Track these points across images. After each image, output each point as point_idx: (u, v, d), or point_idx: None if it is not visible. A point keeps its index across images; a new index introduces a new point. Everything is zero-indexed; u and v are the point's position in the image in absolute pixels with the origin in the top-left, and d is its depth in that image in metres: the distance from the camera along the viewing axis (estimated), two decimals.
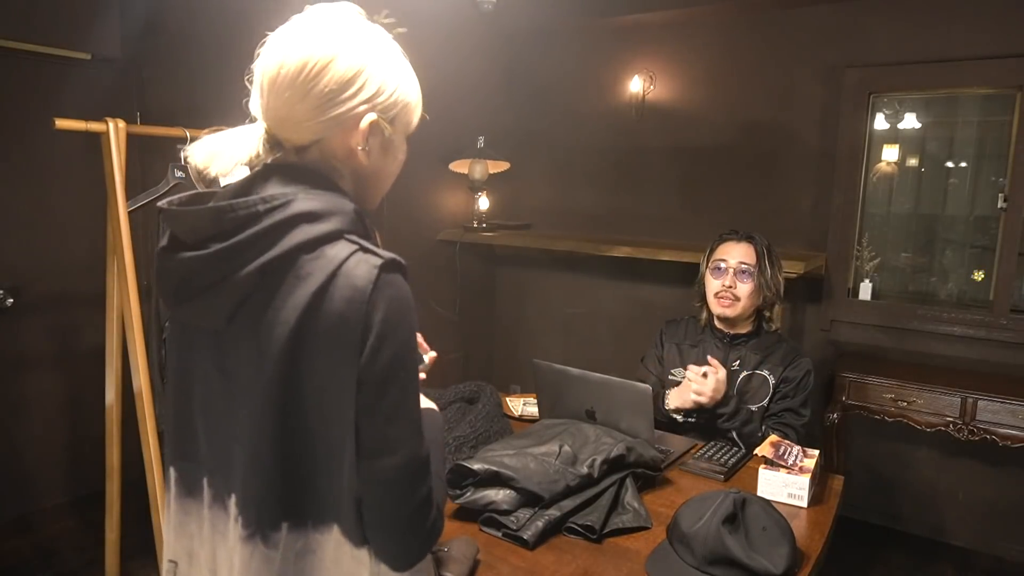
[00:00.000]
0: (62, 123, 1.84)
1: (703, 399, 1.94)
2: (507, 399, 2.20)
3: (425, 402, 1.02)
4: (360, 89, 0.85)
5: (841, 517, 1.60)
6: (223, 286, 0.81)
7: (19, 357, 2.96)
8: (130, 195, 1.99)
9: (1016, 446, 2.62)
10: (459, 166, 3.68)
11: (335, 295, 0.79)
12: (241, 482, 0.85)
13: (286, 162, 0.88)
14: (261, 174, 0.87)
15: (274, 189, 0.84)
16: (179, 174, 2.08)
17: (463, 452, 1.69)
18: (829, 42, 3.15)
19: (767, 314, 2.13)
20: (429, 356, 1.16)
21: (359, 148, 0.87)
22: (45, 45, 2.80)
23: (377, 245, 0.87)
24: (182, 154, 0.88)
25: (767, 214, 3.34)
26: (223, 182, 0.95)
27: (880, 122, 3.28)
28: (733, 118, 3.41)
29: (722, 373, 1.95)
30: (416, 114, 0.95)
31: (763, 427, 2.01)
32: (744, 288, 2.05)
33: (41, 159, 2.92)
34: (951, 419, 2.68)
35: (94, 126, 1.90)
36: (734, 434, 2.00)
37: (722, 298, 2.07)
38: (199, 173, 0.87)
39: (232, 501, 0.86)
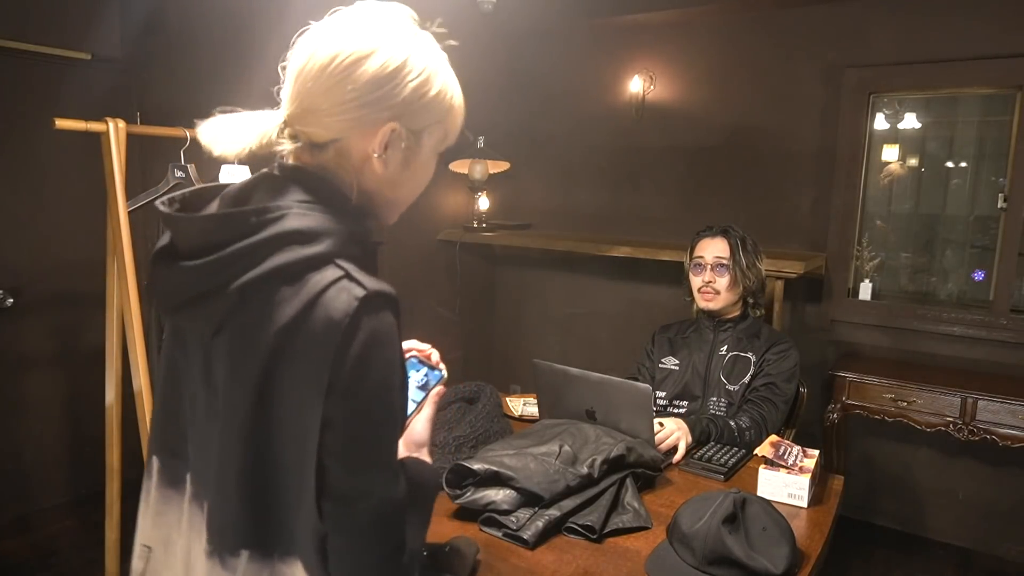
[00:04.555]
0: (62, 123, 1.84)
1: (678, 437, 1.88)
2: (507, 399, 2.20)
3: (425, 456, 0.98)
4: (387, 93, 0.79)
5: (841, 517, 1.61)
6: (209, 299, 0.77)
7: (19, 357, 2.96)
8: (130, 195, 1.99)
9: (1016, 446, 2.62)
10: (459, 166, 3.68)
11: (310, 326, 0.73)
12: (210, 498, 0.84)
13: (293, 164, 0.83)
14: (262, 179, 0.83)
15: (270, 198, 0.79)
16: (179, 174, 2.08)
17: (463, 452, 1.69)
18: (829, 42, 3.15)
19: (751, 300, 2.23)
20: (443, 377, 1.07)
21: (375, 156, 0.82)
22: (45, 45, 2.81)
23: (375, 269, 0.82)
24: (190, 132, 0.84)
25: (767, 214, 3.34)
26: (222, 175, 0.92)
27: (880, 122, 3.28)
28: (733, 118, 3.41)
29: (669, 421, 1.90)
30: (453, 133, 0.89)
31: (745, 403, 2.08)
32: (722, 282, 2.17)
33: (41, 159, 2.92)
34: (951, 419, 2.68)
35: (94, 126, 1.90)
36: (730, 420, 2.01)
37: (704, 293, 2.19)
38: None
39: (206, 509, 0.85)
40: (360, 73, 0.78)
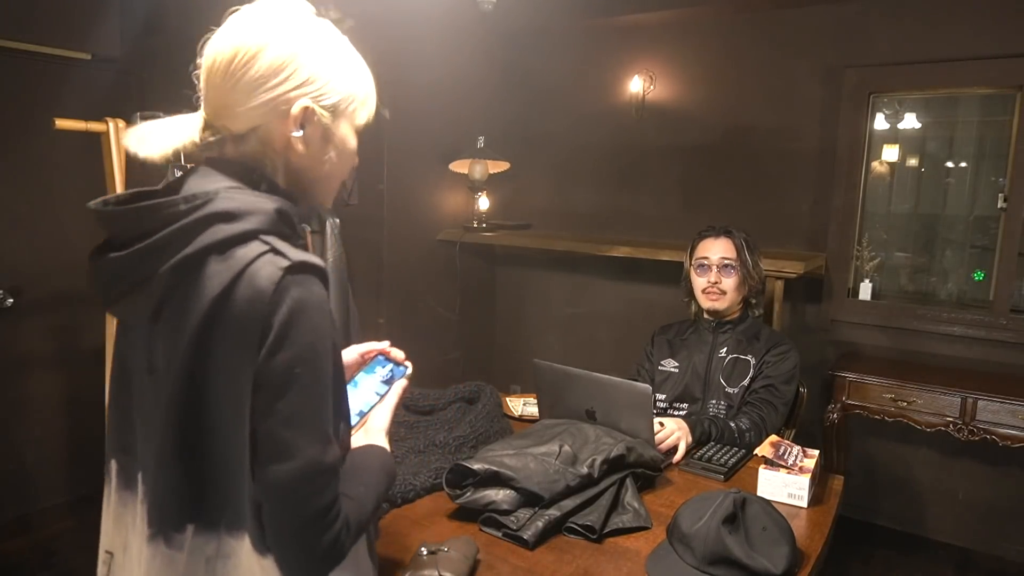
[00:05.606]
0: (62, 123, 1.85)
1: (679, 437, 1.87)
2: (507, 399, 2.20)
3: (381, 441, 1.00)
4: (290, 76, 0.85)
5: (841, 517, 1.61)
6: (144, 286, 0.81)
7: (19, 357, 2.96)
8: None
9: (1016, 446, 2.62)
10: (459, 166, 3.68)
11: (238, 296, 0.78)
12: (151, 480, 0.86)
13: (220, 156, 0.89)
14: (192, 171, 0.88)
15: (200, 187, 0.84)
16: (179, 174, 2.08)
17: (463, 452, 1.69)
18: (829, 42, 3.15)
19: (752, 300, 2.23)
20: (407, 372, 1.10)
21: (293, 135, 0.87)
22: (45, 45, 2.81)
23: (305, 248, 0.86)
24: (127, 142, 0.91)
25: (767, 214, 3.34)
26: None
27: (880, 122, 3.28)
28: (733, 118, 3.41)
29: (669, 421, 1.90)
30: (365, 109, 0.95)
31: (744, 405, 2.07)
32: (729, 282, 2.16)
33: (41, 159, 2.92)
34: (951, 419, 2.68)
35: (94, 126, 1.90)
36: (730, 422, 2.00)
37: (710, 293, 2.18)
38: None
39: (148, 491, 0.87)
40: (259, 66, 0.84)
